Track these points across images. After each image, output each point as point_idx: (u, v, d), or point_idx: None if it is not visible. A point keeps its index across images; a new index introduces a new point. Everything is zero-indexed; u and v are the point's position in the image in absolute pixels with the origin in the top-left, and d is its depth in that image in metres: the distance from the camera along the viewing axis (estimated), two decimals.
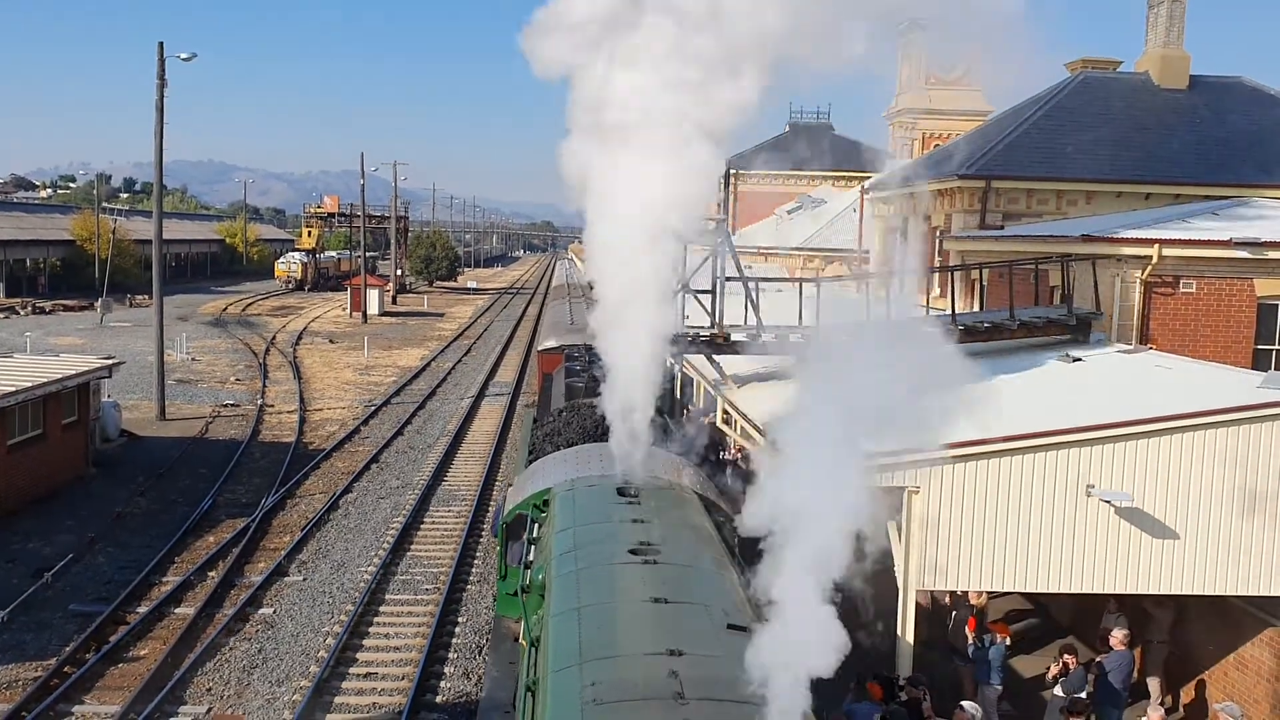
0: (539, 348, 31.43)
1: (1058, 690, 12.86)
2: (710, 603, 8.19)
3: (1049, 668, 13.48)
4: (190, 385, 40.17)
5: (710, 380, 19.51)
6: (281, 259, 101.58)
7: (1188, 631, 14.76)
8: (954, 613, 14.68)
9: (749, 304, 17.47)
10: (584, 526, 10.22)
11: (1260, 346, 19.84)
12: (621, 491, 11.00)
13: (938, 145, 48.39)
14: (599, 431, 13.82)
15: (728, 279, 17.34)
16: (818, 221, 46.07)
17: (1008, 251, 22.14)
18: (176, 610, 17.95)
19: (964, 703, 11.89)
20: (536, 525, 11.32)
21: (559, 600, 8.64)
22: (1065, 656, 13.13)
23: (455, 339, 59.64)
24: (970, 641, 14.11)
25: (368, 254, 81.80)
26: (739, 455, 21.52)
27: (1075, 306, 18.87)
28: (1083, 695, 12.65)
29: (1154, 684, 14.72)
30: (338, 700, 14.90)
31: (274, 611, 17.98)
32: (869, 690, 11.41)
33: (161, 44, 34.74)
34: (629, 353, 11.74)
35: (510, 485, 14.36)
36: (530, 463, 14.29)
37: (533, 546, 11.04)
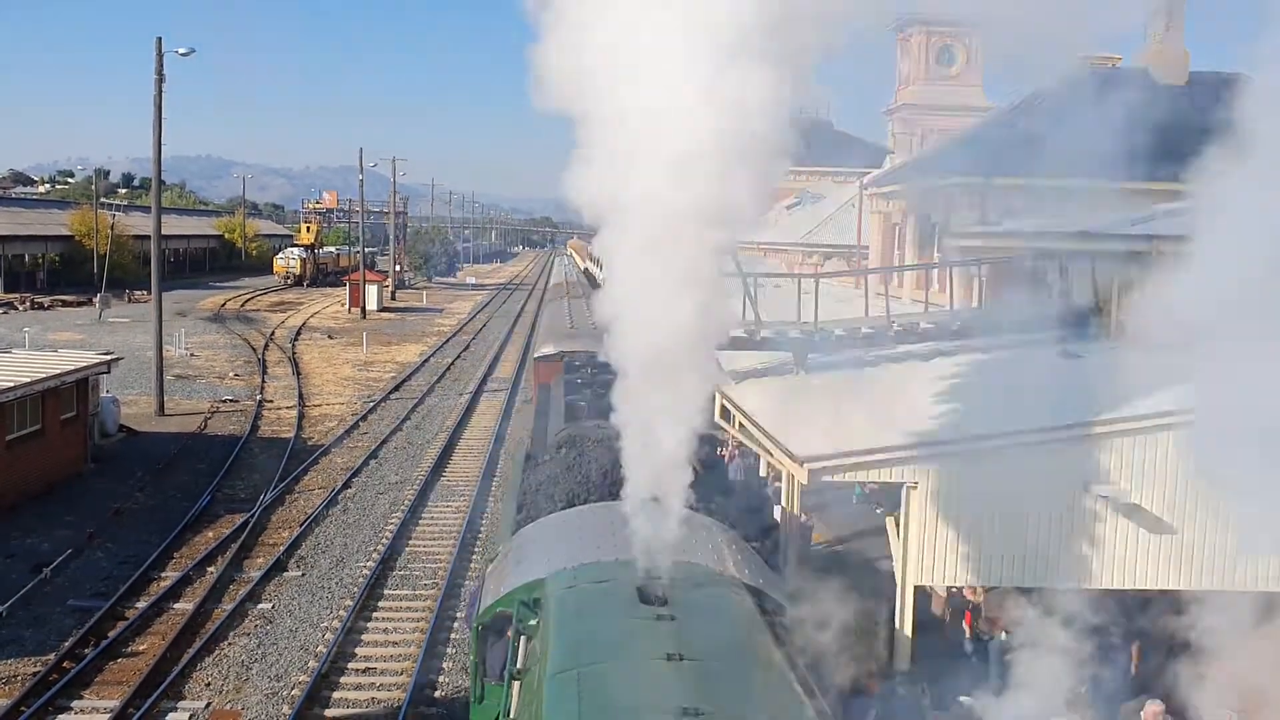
0: (535, 354, 28.34)
1: None
2: None
3: None
4: (189, 381, 40.16)
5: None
6: (280, 254, 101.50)
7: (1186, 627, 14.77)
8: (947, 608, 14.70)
9: (747, 300, 17.48)
10: (593, 667, 7.04)
11: None
12: (645, 595, 7.93)
13: (937, 141, 48.35)
14: (609, 482, 10.99)
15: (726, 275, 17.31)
16: (817, 217, 46.06)
17: (1006, 248, 22.14)
18: (175, 605, 17.96)
19: (961, 697, 11.92)
20: (524, 639, 8.16)
21: None
22: None
23: (454, 335, 59.64)
24: (967, 636, 14.14)
25: (366, 249, 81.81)
26: (736, 452, 21.54)
27: (1074, 303, 18.87)
28: (1084, 690, 12.67)
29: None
30: (336, 695, 14.92)
31: (272, 607, 17.99)
32: (865, 686, 11.43)
33: (159, 39, 34.74)
34: (658, 369, 7.89)
35: (490, 563, 11.12)
36: (519, 526, 11.03)
37: (517, 684, 7.81)
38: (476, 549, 21.11)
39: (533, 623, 8.26)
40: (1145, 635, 14.62)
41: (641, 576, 8.12)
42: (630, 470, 8.45)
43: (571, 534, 9.69)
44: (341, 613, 17.63)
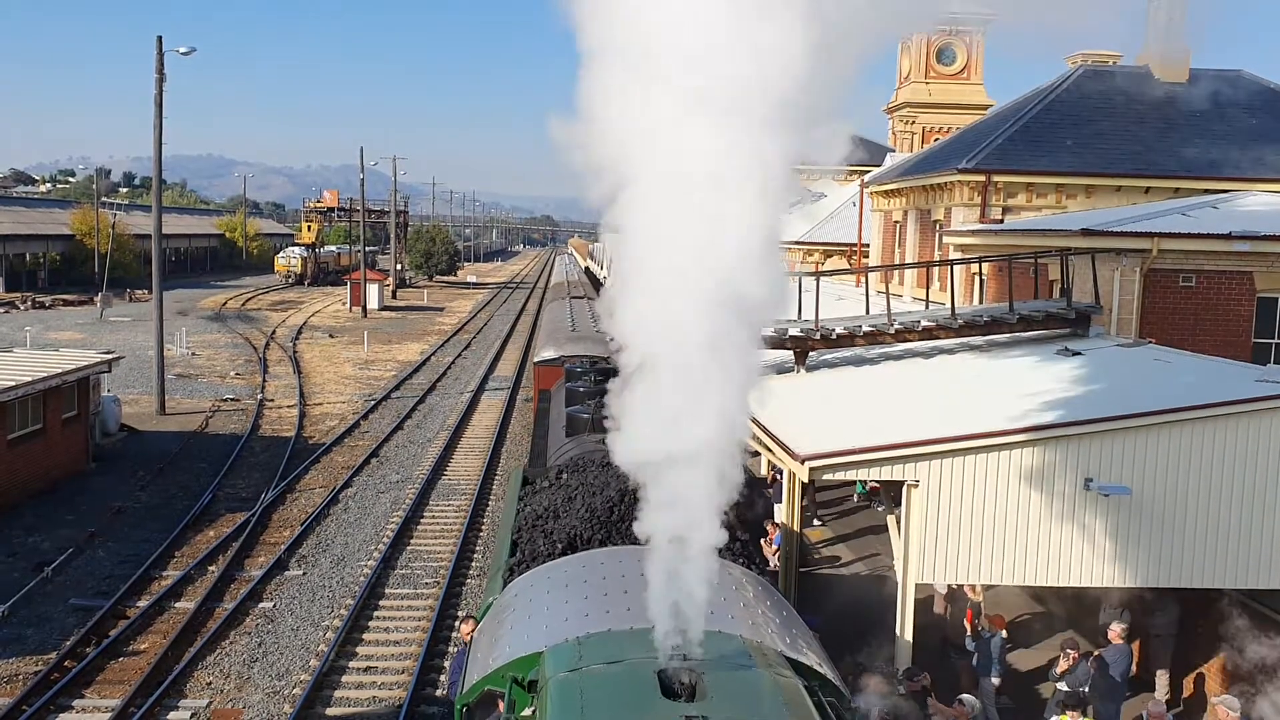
0: (535, 359, 26.77)
1: (1062, 684, 12.85)
2: None
3: (1057, 661, 13.46)
4: (190, 380, 40.19)
5: None
6: (281, 254, 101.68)
7: (1187, 625, 14.77)
8: (948, 606, 14.71)
9: None
10: None
11: (1259, 340, 19.85)
12: (669, 683, 6.48)
13: (938, 139, 48.35)
14: (618, 516, 9.53)
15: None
16: (817, 215, 45.99)
17: (1007, 245, 22.14)
18: (176, 604, 17.97)
19: (962, 695, 11.92)
20: None
21: None
22: (1070, 650, 13.12)
23: (455, 334, 59.66)
24: (968, 634, 14.14)
25: (367, 249, 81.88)
26: None
27: (1074, 300, 18.87)
28: (1086, 689, 12.69)
29: (1161, 677, 14.72)
30: (337, 694, 14.93)
31: (274, 606, 18.00)
32: (865, 684, 11.41)
33: (160, 38, 34.73)
34: (687, 392, 6.42)
35: (476, 622, 9.46)
36: (511, 572, 9.29)
37: None
38: (477, 548, 21.11)
39: (527, 713, 6.82)
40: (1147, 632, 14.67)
41: (663, 654, 6.54)
42: (647, 504, 6.80)
43: (575, 590, 7.93)
44: (343, 611, 17.64)
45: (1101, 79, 29.15)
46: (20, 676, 15.13)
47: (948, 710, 11.54)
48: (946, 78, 56.37)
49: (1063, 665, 13.06)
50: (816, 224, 44.52)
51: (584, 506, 10.08)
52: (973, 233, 24.58)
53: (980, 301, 22.82)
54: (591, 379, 16.90)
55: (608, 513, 9.80)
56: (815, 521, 21.48)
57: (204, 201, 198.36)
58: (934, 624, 15.33)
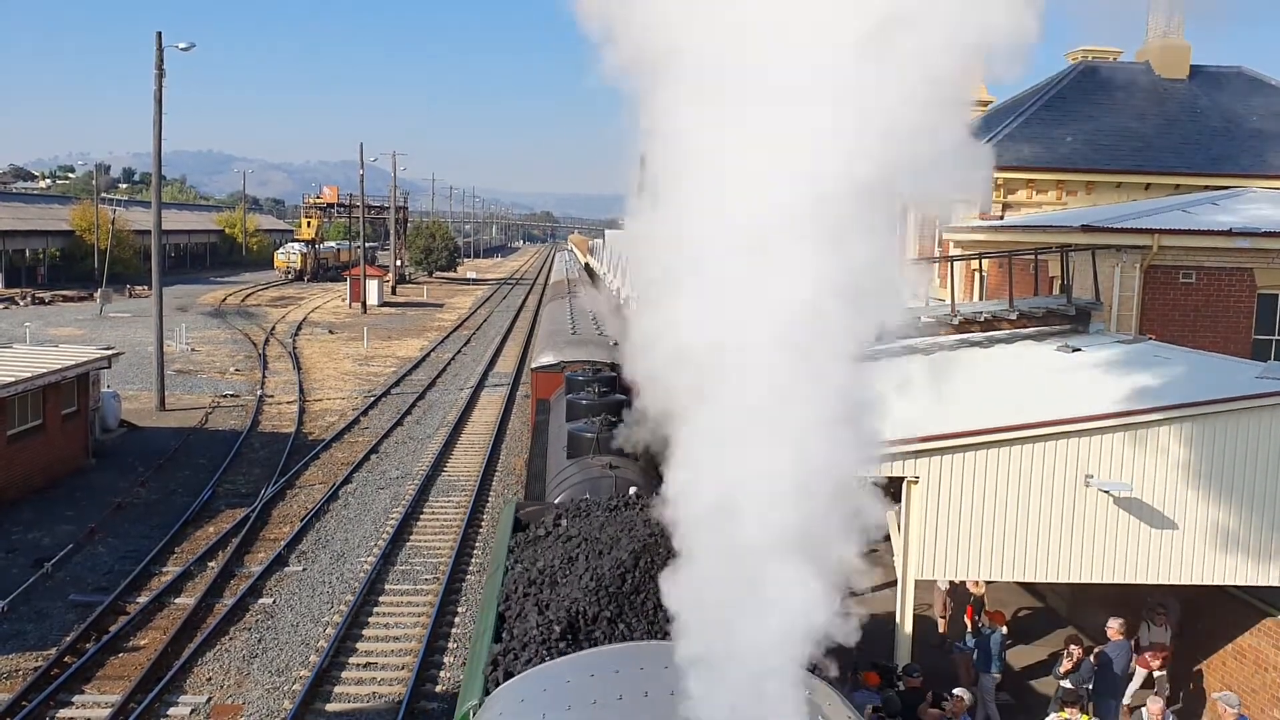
0: (532, 365, 24.05)
1: (1066, 683, 12.85)
2: None
3: (1059, 658, 13.47)
4: (190, 376, 40.16)
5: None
6: (281, 249, 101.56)
7: (1187, 622, 14.79)
8: (949, 602, 14.70)
9: None
10: None
11: (1259, 337, 19.86)
12: None
13: None
14: (631, 586, 7.38)
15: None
16: None
17: (1008, 241, 22.15)
18: (176, 600, 17.97)
19: (957, 689, 11.93)
20: None
21: None
22: (1073, 648, 13.13)
23: (455, 330, 59.62)
24: (969, 630, 14.16)
25: (367, 244, 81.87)
26: None
27: (1075, 297, 18.87)
28: (1089, 686, 12.71)
29: (1162, 675, 14.72)
30: (337, 690, 14.94)
31: (274, 601, 18.01)
32: (865, 678, 11.44)
33: (160, 34, 34.69)
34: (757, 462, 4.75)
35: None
36: (496, 667, 6.77)
37: None
38: (477, 544, 21.12)
39: None
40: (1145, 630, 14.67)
41: None
42: (689, 590, 4.92)
43: (581, 714, 5.54)
44: (343, 607, 17.65)
45: (1102, 75, 29.14)
46: (20, 672, 15.13)
47: (938, 713, 11.53)
48: None
49: (1066, 665, 13.06)
50: None
51: (588, 571, 7.69)
52: (973, 229, 24.57)
53: (980, 298, 22.82)
54: (595, 390, 14.74)
55: (618, 581, 7.47)
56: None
57: (204, 197, 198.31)
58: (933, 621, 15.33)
